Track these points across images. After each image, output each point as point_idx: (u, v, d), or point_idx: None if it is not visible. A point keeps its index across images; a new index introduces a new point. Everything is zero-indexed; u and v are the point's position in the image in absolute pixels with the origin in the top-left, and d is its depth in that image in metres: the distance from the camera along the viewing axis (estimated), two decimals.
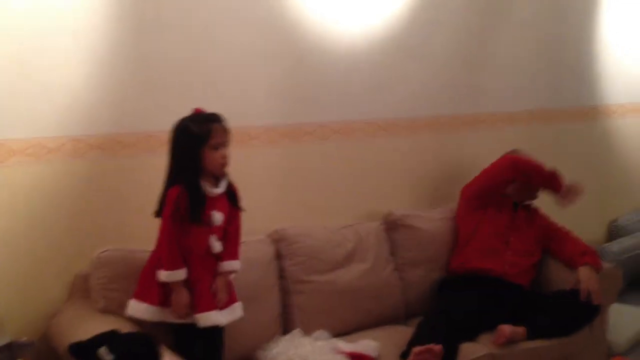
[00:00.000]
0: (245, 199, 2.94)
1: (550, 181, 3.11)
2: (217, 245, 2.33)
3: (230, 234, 2.41)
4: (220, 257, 2.37)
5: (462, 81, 3.55)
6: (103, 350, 1.81)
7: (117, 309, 2.37)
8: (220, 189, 2.35)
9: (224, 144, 2.33)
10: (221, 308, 2.33)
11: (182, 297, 2.28)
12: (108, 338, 1.87)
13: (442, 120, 3.52)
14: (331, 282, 2.91)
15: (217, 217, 2.33)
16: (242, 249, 2.70)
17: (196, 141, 2.27)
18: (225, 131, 2.34)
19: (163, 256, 2.28)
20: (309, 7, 3.01)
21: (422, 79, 3.41)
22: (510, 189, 3.24)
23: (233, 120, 2.87)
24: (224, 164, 2.34)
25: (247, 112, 2.93)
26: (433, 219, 3.27)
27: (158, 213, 2.32)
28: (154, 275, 2.30)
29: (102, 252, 2.46)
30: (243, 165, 2.94)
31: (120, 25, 2.58)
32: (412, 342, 2.61)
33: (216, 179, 2.36)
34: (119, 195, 2.67)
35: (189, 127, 2.28)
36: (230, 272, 2.39)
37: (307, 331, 2.71)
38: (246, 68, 2.89)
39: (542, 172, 3.12)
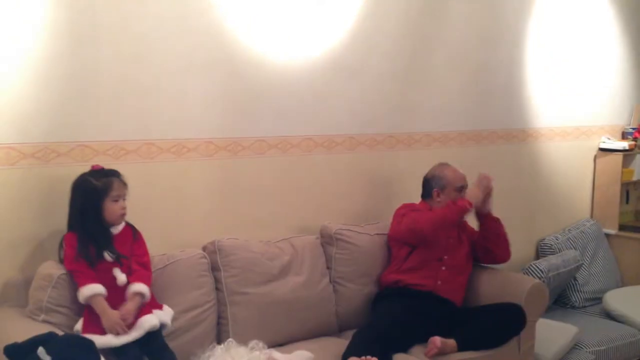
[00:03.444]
0: (181, 211, 2.96)
1: (458, 212, 3.11)
2: (121, 277, 2.50)
3: (137, 262, 2.58)
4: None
5: (398, 101, 3.64)
6: (41, 351, 1.78)
7: (53, 326, 2.37)
8: (119, 228, 2.58)
9: (122, 196, 2.54)
10: (128, 328, 2.44)
11: (110, 315, 2.41)
12: (46, 340, 1.83)
13: (379, 138, 3.60)
14: (266, 294, 2.93)
15: (108, 257, 2.51)
16: (179, 260, 2.80)
17: (97, 194, 2.48)
18: (123, 184, 2.55)
19: (76, 277, 2.45)
20: (247, 21, 3.06)
21: (360, 97, 3.49)
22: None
23: (169, 131, 2.91)
24: (123, 214, 2.57)
25: (183, 124, 2.94)
26: (368, 234, 3.32)
27: (61, 259, 2.52)
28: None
29: (62, 274, 2.49)
30: (179, 178, 2.96)
31: (56, 36, 2.59)
32: (347, 354, 2.64)
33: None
34: (52, 204, 2.64)
35: (90, 181, 2.49)
36: (137, 293, 2.50)
37: (242, 342, 2.69)
38: (182, 80, 2.91)
39: (447, 216, 3.11)
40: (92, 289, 2.42)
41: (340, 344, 2.84)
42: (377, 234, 3.35)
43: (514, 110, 4.22)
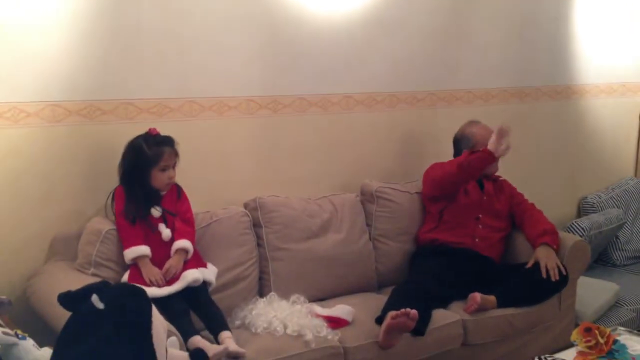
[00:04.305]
0: (223, 169, 3.00)
1: (479, 158, 3.01)
2: (166, 232, 2.57)
3: (181, 218, 2.64)
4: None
5: (438, 57, 3.58)
6: (94, 298, 1.83)
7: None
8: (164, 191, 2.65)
9: (171, 165, 2.60)
10: (170, 282, 2.51)
11: (150, 269, 2.50)
12: (99, 288, 1.88)
13: (419, 95, 3.56)
14: (307, 250, 2.96)
15: (155, 212, 2.58)
16: (222, 218, 2.85)
17: (146, 162, 2.54)
18: (174, 154, 2.60)
19: (122, 239, 2.53)
20: None
21: (400, 53, 3.44)
22: None
23: (210, 89, 2.92)
24: (169, 184, 2.62)
25: (224, 81, 2.95)
26: (408, 192, 3.32)
27: (113, 211, 2.60)
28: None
29: (110, 230, 2.57)
30: (221, 136, 2.99)
31: None
32: (387, 308, 2.67)
33: None
34: (96, 161, 2.70)
35: (142, 147, 2.54)
36: (181, 249, 2.56)
37: (283, 296, 2.75)
38: (223, 38, 2.91)
39: (464, 162, 3.03)
40: (136, 251, 2.50)
41: (379, 299, 2.88)
42: (417, 193, 3.34)
43: (558, 66, 4.11)
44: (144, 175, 2.54)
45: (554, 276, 3.01)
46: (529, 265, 3.07)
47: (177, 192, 2.68)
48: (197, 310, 2.52)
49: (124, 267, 2.54)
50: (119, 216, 2.54)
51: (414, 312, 2.54)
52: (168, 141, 2.58)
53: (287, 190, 3.09)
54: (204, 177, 2.93)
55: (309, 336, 2.49)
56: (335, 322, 2.63)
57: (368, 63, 3.34)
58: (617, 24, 4.38)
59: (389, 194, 3.26)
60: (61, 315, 1.88)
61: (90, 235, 2.56)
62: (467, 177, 3.12)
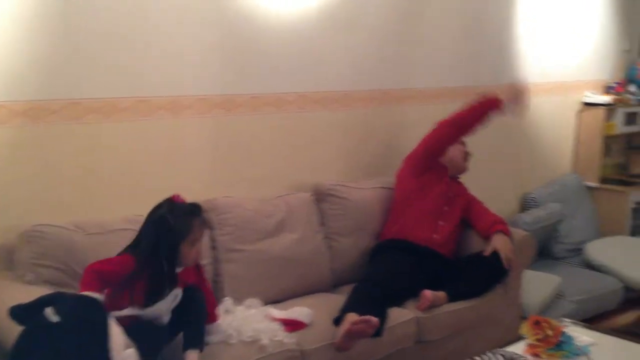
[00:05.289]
0: (176, 170, 2.94)
1: (488, 106, 3.18)
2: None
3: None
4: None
5: (392, 56, 3.61)
6: (49, 311, 1.74)
7: (44, 284, 2.35)
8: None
9: (200, 238, 2.29)
10: None
11: None
12: (53, 300, 1.79)
13: (373, 94, 3.59)
14: (261, 251, 2.94)
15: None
16: None
17: (175, 237, 2.21)
18: (204, 225, 2.32)
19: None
20: None
21: (354, 53, 3.45)
22: (447, 160, 3.34)
23: (163, 88, 2.85)
24: (197, 260, 2.34)
25: (177, 80, 2.89)
26: (362, 189, 3.35)
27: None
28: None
29: (34, 227, 2.42)
30: (174, 136, 2.93)
31: None
32: (346, 309, 2.68)
33: None
34: (44, 164, 2.59)
35: (168, 221, 2.20)
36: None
37: (239, 299, 2.73)
38: (176, 36, 2.84)
39: (476, 108, 3.19)
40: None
41: (335, 299, 2.88)
42: (373, 188, 3.37)
43: (503, 66, 4.22)
44: (174, 254, 2.21)
45: (512, 262, 3.12)
46: (487, 253, 3.15)
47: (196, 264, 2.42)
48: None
49: (64, 262, 2.41)
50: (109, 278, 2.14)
51: (375, 320, 2.55)
52: (197, 210, 2.28)
53: (242, 190, 3.06)
54: (155, 178, 2.86)
55: (264, 341, 2.45)
56: (292, 325, 2.61)
57: (323, 62, 3.34)
58: (556, 25, 4.52)
59: (341, 191, 3.27)
60: (11, 330, 1.80)
61: (19, 239, 2.43)
62: (477, 120, 3.20)
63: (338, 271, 3.20)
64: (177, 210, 2.24)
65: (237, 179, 3.11)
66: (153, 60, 2.80)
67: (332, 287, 3.17)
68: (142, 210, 2.64)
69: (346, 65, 3.43)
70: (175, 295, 2.30)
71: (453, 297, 3.01)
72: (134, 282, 2.17)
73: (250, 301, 2.71)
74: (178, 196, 2.30)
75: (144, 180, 2.77)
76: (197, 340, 2.28)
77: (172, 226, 2.20)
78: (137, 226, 2.35)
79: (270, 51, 3.14)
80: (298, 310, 2.70)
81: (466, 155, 3.42)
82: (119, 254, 2.27)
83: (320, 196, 3.26)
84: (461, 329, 3.04)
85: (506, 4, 4.16)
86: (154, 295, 2.20)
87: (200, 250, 2.35)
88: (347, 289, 2.91)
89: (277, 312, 2.69)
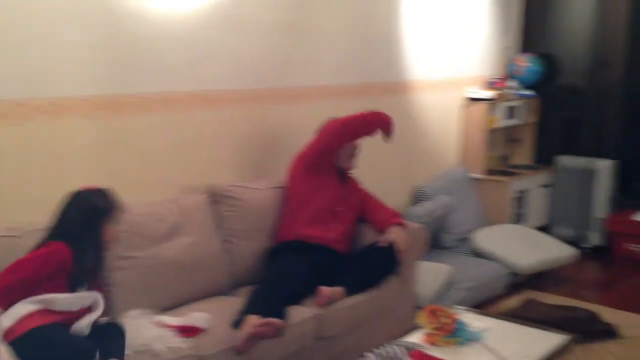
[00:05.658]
0: (59, 176, 2.77)
1: (378, 121, 3.29)
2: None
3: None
4: None
5: (283, 54, 3.59)
6: None
7: None
8: None
9: (118, 217, 2.44)
10: None
11: None
12: None
13: (264, 92, 3.55)
14: (154, 256, 2.83)
15: None
16: None
17: (101, 214, 2.37)
18: (119, 204, 2.44)
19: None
20: None
21: (245, 51, 3.41)
22: (338, 156, 3.36)
23: (43, 90, 2.68)
24: (116, 240, 2.49)
25: (59, 80, 2.72)
26: (258, 190, 3.31)
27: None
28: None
29: None
30: (57, 140, 2.76)
31: None
32: (246, 311, 2.65)
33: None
34: None
35: (91, 199, 2.37)
36: None
37: (129, 307, 2.60)
38: (57, 34, 2.68)
39: (367, 118, 3.27)
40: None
41: (234, 302, 2.84)
42: (269, 188, 3.34)
43: (392, 63, 4.32)
44: (97, 231, 2.38)
45: (404, 255, 3.21)
46: (382, 244, 3.21)
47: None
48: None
49: None
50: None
51: (279, 322, 2.55)
52: (109, 191, 2.43)
53: (133, 194, 2.92)
54: (37, 186, 2.69)
55: (158, 348, 2.37)
56: (189, 331, 2.54)
57: (212, 60, 3.27)
58: (441, 22, 4.69)
59: (237, 193, 3.22)
60: None
61: None
62: (365, 129, 3.27)
63: (236, 274, 3.15)
64: (94, 192, 2.39)
65: (128, 183, 2.96)
66: (31, 59, 2.62)
67: (231, 290, 3.11)
68: (22, 218, 2.49)
69: (235, 63, 3.38)
70: (94, 300, 2.31)
71: (350, 291, 3.05)
72: (85, 264, 2.30)
73: (137, 312, 2.58)
74: (88, 186, 2.42)
75: (24, 188, 2.60)
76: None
77: (95, 204, 2.36)
78: (20, 232, 2.42)
79: (157, 50, 3.04)
80: (194, 316, 2.63)
81: (354, 150, 3.44)
82: (39, 246, 2.28)
83: (216, 198, 3.20)
84: (360, 322, 3.08)
85: (394, 2, 4.25)
86: (79, 277, 2.29)
87: (118, 231, 2.47)
88: (246, 291, 2.88)
89: (170, 319, 2.59)
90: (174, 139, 3.18)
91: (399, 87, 4.38)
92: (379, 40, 4.19)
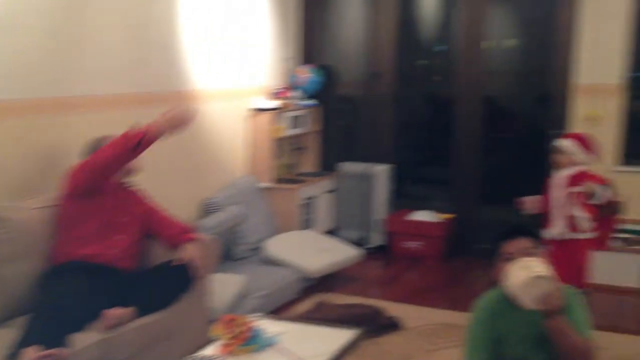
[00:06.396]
0: None
1: (139, 144, 2.93)
2: None
3: None
4: None
5: (54, 61, 3.31)
6: None
7: None
8: None
9: None
10: None
11: None
12: None
13: (34, 102, 3.25)
14: None
15: None
16: None
17: None
18: None
19: None
20: None
21: (11, 57, 3.09)
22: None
23: None
24: None
25: None
26: (27, 209, 3.00)
27: None
28: None
29: None
30: None
31: None
32: (22, 343, 2.41)
33: None
34: None
35: None
36: None
37: None
38: None
39: (124, 141, 2.94)
40: None
41: (6, 335, 2.56)
42: (40, 208, 3.04)
43: (172, 72, 4.21)
44: None
45: (203, 271, 3.12)
46: (177, 262, 3.10)
47: None
48: None
49: None
50: None
51: (60, 352, 2.37)
52: None
53: None
54: None
55: None
56: None
57: None
58: (226, 33, 4.69)
59: (4, 213, 2.89)
60: None
61: None
62: (125, 153, 2.92)
63: (8, 303, 2.82)
64: None
65: None
66: None
67: (2, 321, 2.78)
68: None
69: (2, 70, 3.05)
70: None
71: (142, 312, 2.91)
72: None
73: None
74: None
75: None
76: None
77: None
78: None
79: None
80: None
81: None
82: None
83: None
84: (152, 342, 2.94)
85: (172, 10, 4.15)
86: None
87: None
88: (21, 322, 2.59)
89: None
90: None
91: (181, 97, 4.28)
92: (158, 49, 4.06)
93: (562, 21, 5.02)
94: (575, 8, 4.89)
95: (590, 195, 3.53)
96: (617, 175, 4.34)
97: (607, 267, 3.93)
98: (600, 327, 3.55)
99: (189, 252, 3.15)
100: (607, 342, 3.49)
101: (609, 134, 4.85)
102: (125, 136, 2.93)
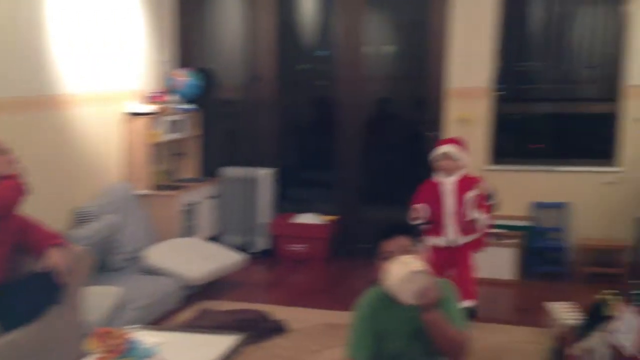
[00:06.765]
0: None
1: None
2: None
3: None
4: None
5: None
6: None
7: None
8: None
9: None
10: None
11: None
12: None
13: None
14: None
15: None
16: None
17: None
18: None
19: None
20: None
21: None
22: None
23: None
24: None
25: None
26: None
27: None
28: None
29: None
30: None
31: None
32: None
33: None
34: None
35: None
36: None
37: None
38: None
39: None
40: None
41: None
42: None
43: (37, 75, 3.97)
44: None
45: (66, 277, 2.95)
46: (41, 269, 2.93)
47: None
48: None
49: None
50: None
51: None
52: None
53: None
54: None
55: None
56: None
57: None
58: (97, 35, 4.49)
59: None
60: None
61: None
62: None
63: None
64: None
65: None
66: None
67: None
68: None
69: None
70: None
71: (7, 326, 2.73)
72: None
73: None
74: None
75: None
76: None
77: None
78: None
79: None
80: None
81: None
82: None
83: None
84: (20, 358, 2.74)
85: (38, 13, 3.91)
86: None
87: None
88: None
89: None
90: None
91: (48, 102, 4.04)
92: (24, 51, 3.81)
93: (434, 28, 5.23)
94: (445, 15, 5.11)
95: (488, 196, 3.68)
96: (488, 174, 4.56)
97: (482, 262, 4.11)
98: (475, 319, 3.76)
99: (53, 258, 2.98)
100: (482, 333, 3.65)
101: (479, 134, 5.10)
102: None
